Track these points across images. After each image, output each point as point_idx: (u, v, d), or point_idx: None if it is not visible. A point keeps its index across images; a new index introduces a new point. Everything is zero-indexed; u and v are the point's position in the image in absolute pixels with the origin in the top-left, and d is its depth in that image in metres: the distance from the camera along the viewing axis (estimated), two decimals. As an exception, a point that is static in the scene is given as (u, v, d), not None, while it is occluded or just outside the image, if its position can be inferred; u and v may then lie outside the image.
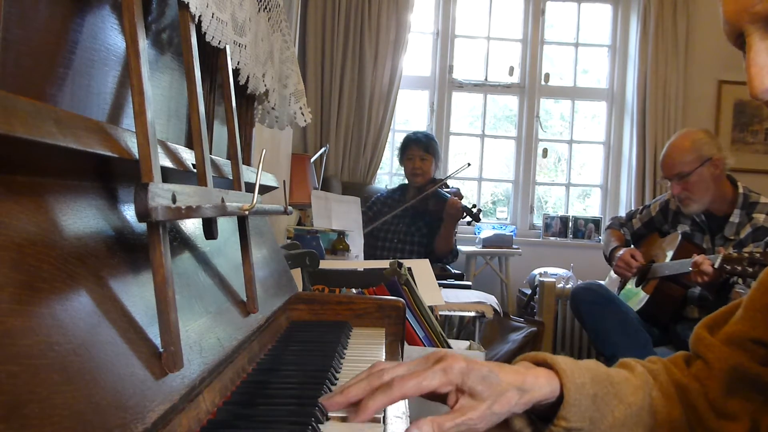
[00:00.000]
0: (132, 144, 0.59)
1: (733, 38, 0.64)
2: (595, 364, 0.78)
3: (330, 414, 0.68)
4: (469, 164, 3.80)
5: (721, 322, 0.84)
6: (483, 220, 4.77)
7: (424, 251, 3.50)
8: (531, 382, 0.71)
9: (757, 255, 2.27)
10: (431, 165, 3.62)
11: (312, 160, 3.59)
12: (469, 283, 3.48)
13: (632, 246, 3.03)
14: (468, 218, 3.41)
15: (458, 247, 4.25)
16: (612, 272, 3.02)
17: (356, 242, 2.94)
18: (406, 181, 3.76)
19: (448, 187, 3.65)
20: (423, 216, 3.53)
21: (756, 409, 0.78)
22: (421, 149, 3.61)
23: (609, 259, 2.99)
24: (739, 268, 2.30)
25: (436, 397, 0.69)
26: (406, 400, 0.75)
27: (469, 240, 4.43)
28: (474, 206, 3.41)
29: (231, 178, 0.92)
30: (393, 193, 3.77)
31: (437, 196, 3.47)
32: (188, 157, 0.77)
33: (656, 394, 0.79)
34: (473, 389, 0.67)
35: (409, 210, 3.52)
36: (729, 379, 0.78)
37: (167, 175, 0.65)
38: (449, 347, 1.56)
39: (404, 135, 3.86)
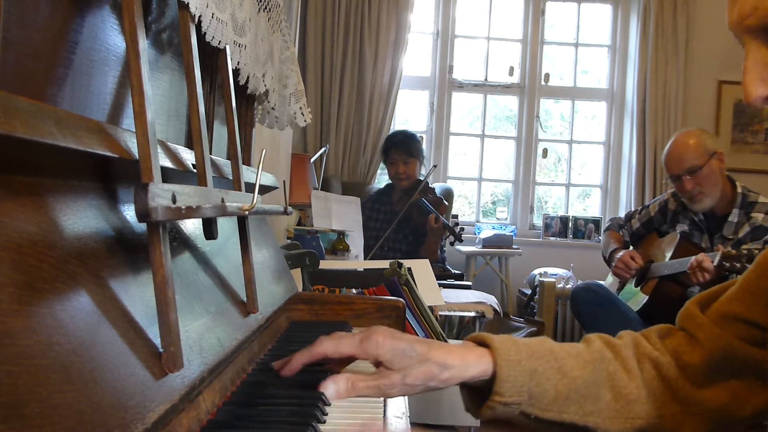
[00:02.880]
0: (132, 144, 0.59)
1: (740, 43, 0.66)
2: (541, 341, 0.80)
3: (328, 411, 0.68)
4: (435, 166, 3.95)
5: (714, 299, 0.84)
6: (483, 220, 4.79)
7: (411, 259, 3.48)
8: (457, 361, 0.74)
9: (756, 252, 2.27)
10: (415, 167, 3.57)
11: (312, 160, 3.58)
12: (469, 283, 3.47)
13: (631, 247, 3.03)
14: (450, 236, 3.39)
15: (458, 247, 4.25)
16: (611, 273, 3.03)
17: (356, 242, 2.94)
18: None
19: (433, 193, 3.59)
20: (408, 223, 3.49)
21: (743, 387, 0.79)
22: (403, 153, 3.50)
23: (608, 260, 2.99)
24: (738, 265, 2.29)
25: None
26: (406, 400, 0.79)
27: (469, 240, 4.43)
28: (456, 225, 3.38)
29: (231, 178, 0.92)
30: (380, 195, 3.73)
31: (421, 207, 3.42)
32: (188, 157, 0.77)
33: (614, 368, 0.79)
34: (388, 361, 0.73)
35: (396, 215, 3.49)
36: (717, 357, 0.79)
37: (167, 175, 0.65)
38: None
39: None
